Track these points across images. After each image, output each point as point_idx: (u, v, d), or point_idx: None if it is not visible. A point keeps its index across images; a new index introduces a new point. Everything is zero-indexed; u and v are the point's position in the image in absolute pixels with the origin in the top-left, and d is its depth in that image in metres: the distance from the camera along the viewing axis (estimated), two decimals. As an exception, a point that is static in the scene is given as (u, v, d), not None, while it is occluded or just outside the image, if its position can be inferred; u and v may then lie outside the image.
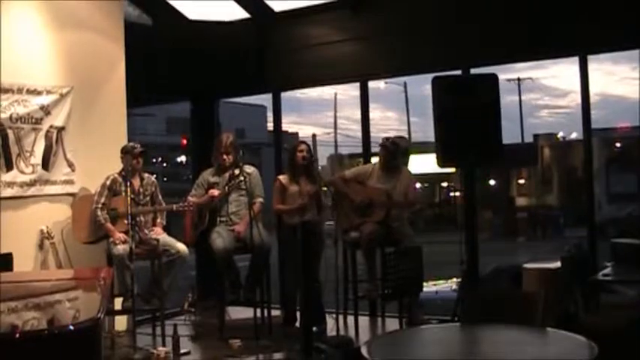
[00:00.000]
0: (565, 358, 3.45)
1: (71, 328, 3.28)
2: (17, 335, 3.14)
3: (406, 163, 7.16)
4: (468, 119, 5.99)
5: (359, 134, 8.05)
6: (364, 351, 3.50)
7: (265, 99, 8.62)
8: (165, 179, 39.68)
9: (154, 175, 7.21)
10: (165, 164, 43.06)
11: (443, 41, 7.32)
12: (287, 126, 38.47)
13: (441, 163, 6.21)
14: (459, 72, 7.22)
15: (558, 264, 6.25)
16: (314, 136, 33.61)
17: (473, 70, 7.15)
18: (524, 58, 7.91)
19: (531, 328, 3.97)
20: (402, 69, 8.32)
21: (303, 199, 6.71)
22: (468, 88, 6.24)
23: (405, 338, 4.18)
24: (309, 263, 6.39)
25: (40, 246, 6.61)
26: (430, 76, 6.30)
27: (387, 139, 6.98)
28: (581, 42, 6.72)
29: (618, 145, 25.22)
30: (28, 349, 3.04)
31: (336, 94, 37.06)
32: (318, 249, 6.73)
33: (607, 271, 6.05)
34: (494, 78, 6.19)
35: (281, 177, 6.93)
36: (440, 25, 7.33)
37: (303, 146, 6.85)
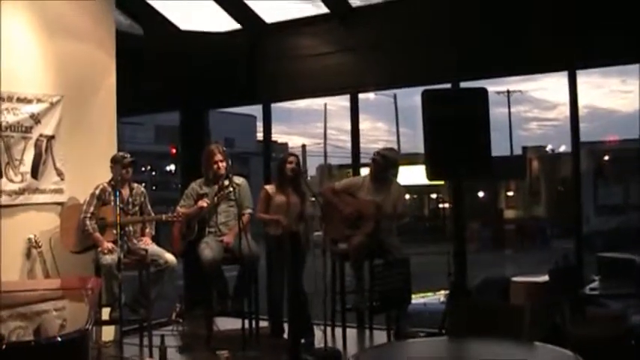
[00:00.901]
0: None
1: (59, 339, 3.28)
2: (3, 347, 3.13)
3: (395, 175, 7.17)
4: (457, 132, 6.02)
5: (348, 145, 8.09)
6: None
7: (255, 109, 8.66)
8: (154, 188, 39.61)
9: (143, 184, 7.19)
10: (154, 173, 43.01)
11: (433, 54, 7.34)
12: (277, 136, 38.52)
13: (430, 175, 6.22)
14: (448, 85, 7.27)
15: (546, 277, 6.28)
16: (304, 146, 33.68)
17: (463, 84, 7.18)
18: (513, 71, 7.96)
19: (518, 343, 3.98)
20: (392, 81, 8.37)
21: (288, 211, 6.70)
22: (457, 101, 6.28)
23: (393, 351, 4.19)
24: (294, 273, 6.40)
25: (28, 255, 6.59)
26: (420, 88, 6.33)
27: (378, 152, 7.00)
28: (570, 56, 6.76)
29: (606, 157, 25.35)
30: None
31: (325, 105, 37.19)
32: (302, 259, 6.73)
33: (594, 285, 6.09)
34: (483, 92, 6.22)
35: (268, 187, 6.94)
36: (430, 38, 7.34)
37: (292, 158, 6.86)
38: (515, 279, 6.72)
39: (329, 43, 8.04)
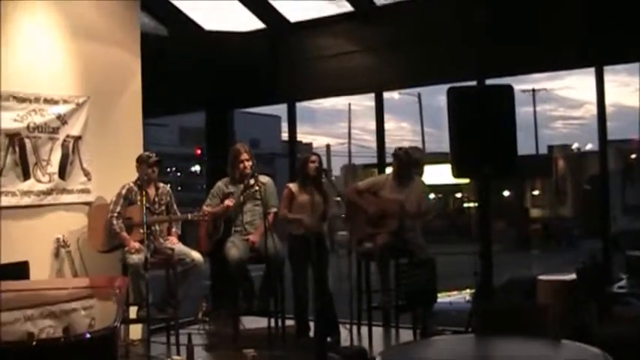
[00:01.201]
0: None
1: (88, 336, 3.31)
2: (34, 343, 3.17)
3: (420, 174, 7.16)
4: (482, 130, 5.99)
5: (373, 145, 8.08)
6: (379, 361, 3.51)
7: (279, 109, 8.68)
8: (179, 188, 39.81)
9: (169, 185, 7.23)
10: (179, 174, 43.22)
11: (457, 52, 7.31)
12: (301, 136, 38.45)
13: (456, 174, 6.19)
14: (473, 83, 7.24)
15: (573, 276, 6.23)
16: (328, 146, 33.75)
17: (488, 81, 7.15)
18: (539, 69, 7.91)
19: (545, 340, 3.95)
20: (417, 80, 8.37)
21: (311, 210, 6.71)
22: (483, 98, 6.25)
23: (419, 349, 4.18)
24: (319, 273, 6.42)
25: (56, 254, 6.65)
26: (445, 87, 6.31)
27: (400, 148, 7.00)
28: (596, 53, 6.71)
29: (633, 156, 25.12)
30: (44, 357, 3.07)
31: (350, 105, 37.20)
32: (323, 260, 6.74)
33: (622, 283, 6.03)
34: (509, 89, 6.19)
35: (291, 185, 6.93)
36: (454, 36, 7.32)
37: (314, 157, 6.86)
38: (541, 277, 6.67)
39: (353, 42, 8.05)
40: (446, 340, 4.67)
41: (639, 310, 6.03)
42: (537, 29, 6.91)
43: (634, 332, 5.56)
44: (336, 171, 33.55)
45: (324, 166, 7.17)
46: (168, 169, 42.28)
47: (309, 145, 37.37)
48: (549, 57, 6.99)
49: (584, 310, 5.90)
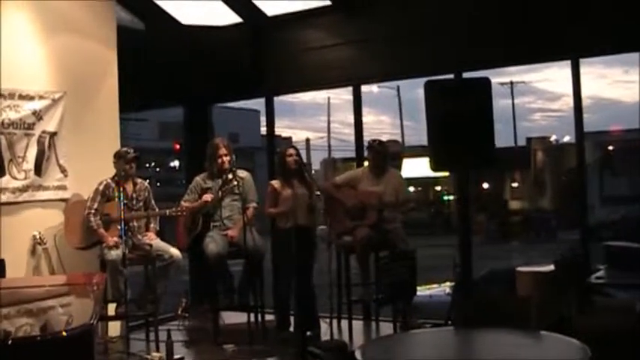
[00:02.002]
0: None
1: (64, 334, 3.28)
2: (10, 342, 3.14)
3: (399, 167, 7.17)
4: (460, 123, 5.99)
5: (352, 138, 8.07)
6: (358, 355, 3.50)
7: (258, 103, 8.64)
8: (158, 184, 39.63)
9: (147, 180, 7.19)
10: (158, 169, 43.00)
11: (436, 45, 7.31)
12: (280, 130, 38.50)
13: (434, 166, 6.20)
14: (451, 76, 7.24)
15: (552, 267, 6.26)
16: (307, 140, 33.67)
17: (466, 74, 7.15)
18: (516, 61, 7.94)
19: (525, 332, 3.97)
20: (395, 73, 8.34)
21: (297, 203, 6.68)
22: (460, 91, 6.25)
23: (399, 342, 4.18)
24: (303, 267, 6.40)
25: (33, 252, 6.59)
26: (423, 80, 6.31)
27: (374, 140, 7.01)
28: (572, 45, 6.73)
29: (611, 148, 25.29)
30: (21, 356, 3.04)
31: (329, 99, 37.17)
32: (311, 253, 6.73)
33: (600, 274, 6.07)
34: (486, 81, 6.20)
35: (273, 182, 6.90)
36: (432, 29, 7.32)
37: (292, 150, 6.83)
38: (520, 269, 6.69)
39: (332, 35, 8.01)
40: (425, 333, 4.68)
41: (618, 300, 6.07)
42: (514, 22, 6.90)
43: (613, 322, 5.59)
44: (316, 165, 33.53)
45: (304, 160, 7.15)
46: (147, 165, 42.07)
47: (289, 139, 37.35)
48: (526, 50, 6.99)
49: (563, 301, 5.93)
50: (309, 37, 8.14)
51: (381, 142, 7.04)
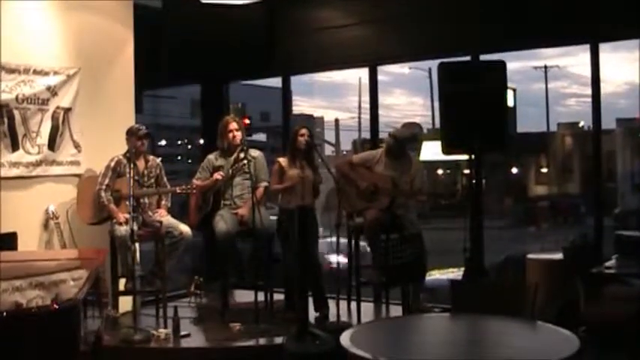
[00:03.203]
0: (548, 351, 3.41)
1: (56, 307, 3.35)
2: (4, 314, 3.24)
3: (417, 150, 7.10)
4: (472, 105, 5.94)
5: (384, 119, 8.02)
6: (344, 339, 3.48)
7: (293, 81, 8.60)
8: (189, 161, 39.85)
9: (178, 157, 7.20)
10: (189, 146, 43.23)
11: (462, 25, 7.21)
12: (312, 110, 38.47)
13: (445, 149, 6.16)
14: (468, 58, 7.16)
15: (560, 255, 6.19)
16: (337, 120, 33.53)
17: (493, 56, 7.03)
18: (546, 44, 7.81)
19: (520, 320, 3.93)
20: (419, 53, 8.24)
21: (301, 183, 6.66)
22: (474, 74, 6.19)
23: (391, 326, 4.16)
24: (306, 247, 6.39)
25: (45, 226, 6.66)
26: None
27: (390, 133, 6.93)
28: (593, 27, 6.60)
29: (643, 134, 24.89)
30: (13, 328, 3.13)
31: (360, 79, 36.94)
32: (315, 232, 6.72)
33: (610, 263, 5.98)
34: (501, 64, 6.13)
35: (281, 159, 6.86)
36: (456, 10, 7.22)
37: (304, 130, 6.76)
38: (530, 256, 6.63)
39: (351, 14, 7.95)
40: (419, 318, 4.65)
41: (628, 289, 5.98)
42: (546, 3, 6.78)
43: (621, 311, 5.53)
44: (347, 145, 33.44)
45: (333, 140, 7.12)
46: (179, 142, 42.32)
47: (321, 118, 37.25)
48: (553, 32, 6.87)
49: (570, 288, 5.86)
50: (328, 15, 8.11)
51: (395, 135, 6.89)
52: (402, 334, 3.79)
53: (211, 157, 6.94)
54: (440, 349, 3.53)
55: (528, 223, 24.10)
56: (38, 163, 6.63)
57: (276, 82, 8.66)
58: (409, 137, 6.93)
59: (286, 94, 8.54)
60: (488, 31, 7.08)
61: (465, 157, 6.44)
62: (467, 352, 3.50)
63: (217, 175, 6.73)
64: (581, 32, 6.74)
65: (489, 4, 7.03)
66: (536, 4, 6.82)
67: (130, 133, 6.65)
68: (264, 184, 6.82)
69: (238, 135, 6.77)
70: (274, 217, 6.87)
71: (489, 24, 7.03)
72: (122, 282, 6.59)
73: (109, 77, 7.21)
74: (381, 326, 4.19)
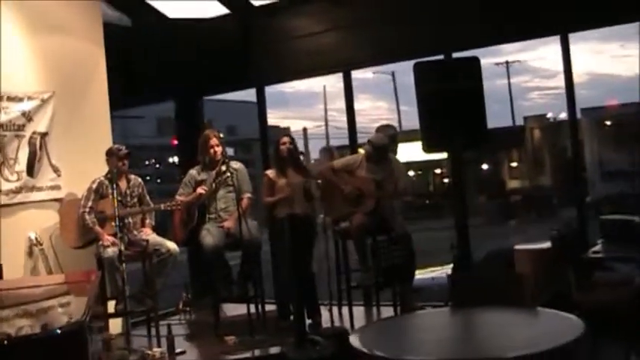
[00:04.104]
0: (554, 336, 3.43)
1: (57, 332, 3.28)
2: (5, 342, 3.14)
3: (395, 151, 7.12)
4: (451, 103, 5.97)
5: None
6: (354, 340, 3.49)
7: (255, 95, 8.61)
8: (158, 180, 39.59)
9: (147, 177, 7.17)
10: (157, 165, 42.95)
11: (426, 27, 7.28)
12: (278, 121, 38.48)
13: (426, 148, 6.18)
14: (441, 57, 7.21)
15: (549, 244, 6.25)
16: (305, 129, 33.54)
17: (457, 55, 7.11)
18: (507, 39, 7.90)
19: (521, 309, 3.96)
20: (386, 57, 8.30)
21: (293, 192, 6.66)
22: (450, 72, 6.22)
23: (395, 325, 4.17)
24: (301, 256, 6.38)
25: (30, 253, 6.60)
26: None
27: (369, 140, 6.93)
28: (562, 20, 6.69)
29: (608, 123, 25.25)
30: (17, 356, 3.04)
31: (325, 87, 37.01)
32: (310, 241, 6.72)
33: (597, 248, 6.06)
34: (476, 61, 6.17)
35: (268, 172, 6.87)
36: (422, 11, 7.28)
37: (285, 138, 6.79)
38: (518, 247, 6.69)
39: (319, 22, 7.98)
40: (422, 315, 4.67)
41: (617, 274, 6.06)
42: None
43: (611, 297, 5.59)
44: (314, 154, 33.47)
45: (302, 149, 7.12)
46: (147, 162, 42.02)
47: (287, 129, 37.26)
48: (515, 27, 6.96)
49: (561, 276, 5.93)
50: (297, 25, 8.12)
51: (373, 142, 6.90)
52: (408, 332, 3.81)
53: (193, 171, 6.92)
54: (449, 345, 3.55)
55: (504, 219, 24.30)
56: (18, 190, 6.58)
57: (240, 95, 8.64)
58: (387, 142, 6.95)
59: (262, 105, 8.52)
60: (457, 30, 7.14)
61: (445, 155, 6.47)
62: (475, 346, 3.51)
63: (201, 190, 6.71)
64: (548, 24, 6.83)
65: (454, 3, 7.09)
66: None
67: (111, 154, 6.61)
68: (248, 195, 6.81)
69: (219, 149, 6.76)
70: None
71: (460, 24, 7.10)
72: (111, 304, 6.54)
73: (83, 99, 7.17)
74: (386, 326, 4.20)
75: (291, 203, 6.62)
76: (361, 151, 7.29)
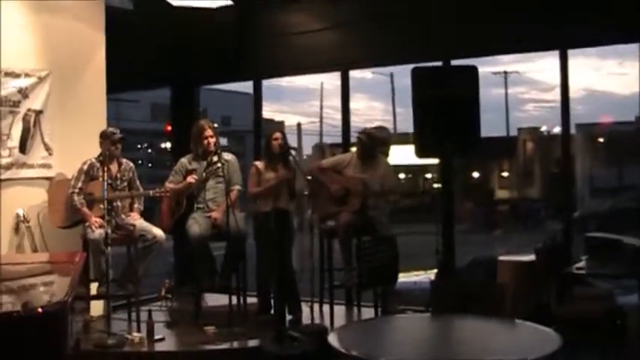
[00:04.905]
0: (530, 349, 3.47)
1: (39, 310, 3.29)
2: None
3: (387, 154, 7.17)
4: (446, 110, 6.02)
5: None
6: (332, 338, 3.52)
7: (251, 86, 8.64)
8: (150, 165, 39.53)
9: (139, 162, 7.18)
10: (150, 150, 42.87)
11: (426, 31, 7.30)
12: (273, 114, 38.44)
13: (419, 153, 6.23)
14: (440, 63, 7.25)
15: (532, 257, 6.29)
16: (299, 125, 33.57)
17: (457, 62, 7.14)
18: (508, 50, 7.94)
19: (499, 319, 4.00)
20: (384, 59, 8.32)
21: (276, 183, 6.70)
22: (447, 79, 6.27)
23: (373, 327, 4.20)
24: (280, 250, 6.42)
25: (16, 230, 6.58)
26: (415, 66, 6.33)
27: (363, 131, 6.99)
28: (563, 35, 6.74)
29: (601, 139, 25.38)
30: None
31: (322, 84, 37.07)
32: (290, 236, 6.75)
33: (581, 264, 6.10)
34: (474, 70, 6.22)
35: (257, 163, 6.92)
36: (423, 16, 7.31)
37: (278, 134, 6.83)
38: (502, 258, 6.74)
39: (319, 19, 8.00)
40: (402, 319, 4.71)
41: (597, 290, 6.12)
42: (508, 9, 6.90)
43: (592, 312, 5.65)
44: (307, 150, 33.49)
45: (295, 144, 7.16)
46: (139, 146, 41.92)
47: (281, 123, 37.26)
48: (517, 39, 7.00)
49: (542, 290, 5.98)
50: (297, 20, 8.12)
51: (369, 133, 6.97)
52: (387, 334, 3.85)
53: (184, 160, 6.93)
54: (425, 349, 3.58)
55: (490, 227, 24.37)
56: (9, 166, 6.56)
57: (237, 86, 8.66)
58: (382, 139, 7.00)
59: (258, 98, 8.54)
60: (459, 36, 7.17)
61: (436, 160, 6.51)
62: (450, 352, 3.55)
63: (191, 179, 6.72)
64: (548, 38, 6.87)
65: (461, 9, 7.12)
66: (505, 9, 6.91)
67: (104, 137, 6.62)
68: (238, 187, 6.83)
69: (213, 141, 6.77)
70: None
71: (462, 27, 7.12)
72: (94, 286, 6.55)
73: (80, 80, 7.16)
74: (365, 326, 4.23)
75: (274, 198, 6.65)
76: (353, 149, 7.32)
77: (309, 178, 6.85)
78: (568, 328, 4.88)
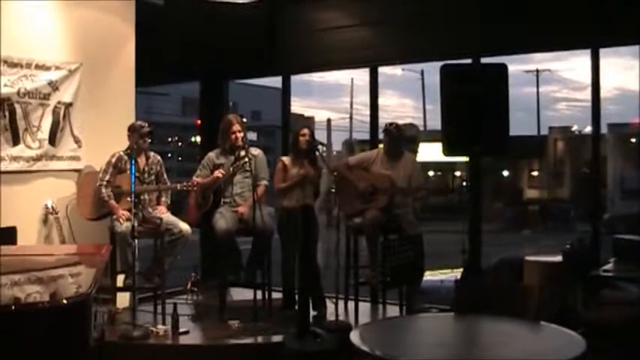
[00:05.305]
0: (554, 352, 3.44)
1: (63, 302, 3.32)
2: (12, 307, 3.20)
3: (415, 151, 7.14)
4: (474, 108, 5.97)
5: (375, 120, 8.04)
6: (354, 336, 3.51)
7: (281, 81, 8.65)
8: (179, 159, 39.78)
9: (169, 155, 7.22)
10: (180, 144, 43.14)
11: (457, 29, 7.26)
12: (303, 110, 38.44)
13: (446, 151, 6.19)
14: (469, 60, 7.20)
15: (560, 258, 6.23)
16: (329, 120, 33.52)
17: (487, 59, 7.09)
18: (540, 48, 7.86)
19: (524, 321, 3.96)
20: (415, 56, 8.29)
21: (303, 184, 6.70)
22: (476, 77, 6.22)
23: (396, 326, 4.18)
24: (306, 247, 6.41)
25: (45, 221, 6.66)
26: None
27: (391, 124, 6.97)
28: (595, 34, 6.65)
29: (633, 140, 25.04)
30: (22, 322, 3.08)
31: (352, 80, 37.00)
32: (314, 232, 6.75)
33: (608, 266, 6.03)
34: (503, 67, 6.15)
35: (284, 158, 6.93)
36: (455, 13, 7.26)
37: (305, 130, 6.83)
38: (528, 258, 6.67)
39: (350, 15, 7.98)
40: (425, 318, 4.68)
41: (625, 293, 6.03)
42: (542, 7, 6.83)
43: (618, 316, 5.57)
44: (337, 146, 33.45)
45: (325, 140, 7.17)
46: (170, 139, 42.19)
47: (312, 118, 37.27)
48: (549, 37, 6.92)
49: (568, 292, 5.91)
50: (328, 16, 8.12)
51: (397, 125, 6.98)
52: (409, 334, 3.82)
53: (212, 154, 6.95)
54: (446, 350, 3.55)
55: (519, 227, 24.18)
56: (38, 158, 6.63)
57: (267, 81, 8.66)
58: (410, 136, 6.99)
59: (286, 93, 8.54)
60: (488, 34, 7.12)
61: (465, 159, 6.45)
62: (473, 353, 3.53)
63: (218, 173, 6.74)
64: (581, 36, 6.79)
65: (490, 7, 7.06)
66: (536, 7, 6.85)
67: (133, 130, 6.67)
68: (265, 182, 6.84)
69: (240, 135, 6.77)
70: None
71: (490, 26, 7.07)
72: (120, 278, 6.60)
73: (110, 73, 7.21)
74: (387, 325, 4.21)
75: (299, 194, 6.65)
76: (381, 146, 7.29)
77: (336, 174, 6.82)
78: (594, 331, 4.84)
